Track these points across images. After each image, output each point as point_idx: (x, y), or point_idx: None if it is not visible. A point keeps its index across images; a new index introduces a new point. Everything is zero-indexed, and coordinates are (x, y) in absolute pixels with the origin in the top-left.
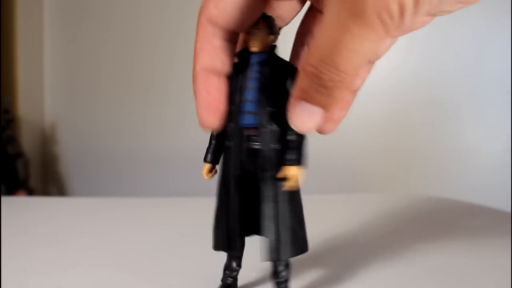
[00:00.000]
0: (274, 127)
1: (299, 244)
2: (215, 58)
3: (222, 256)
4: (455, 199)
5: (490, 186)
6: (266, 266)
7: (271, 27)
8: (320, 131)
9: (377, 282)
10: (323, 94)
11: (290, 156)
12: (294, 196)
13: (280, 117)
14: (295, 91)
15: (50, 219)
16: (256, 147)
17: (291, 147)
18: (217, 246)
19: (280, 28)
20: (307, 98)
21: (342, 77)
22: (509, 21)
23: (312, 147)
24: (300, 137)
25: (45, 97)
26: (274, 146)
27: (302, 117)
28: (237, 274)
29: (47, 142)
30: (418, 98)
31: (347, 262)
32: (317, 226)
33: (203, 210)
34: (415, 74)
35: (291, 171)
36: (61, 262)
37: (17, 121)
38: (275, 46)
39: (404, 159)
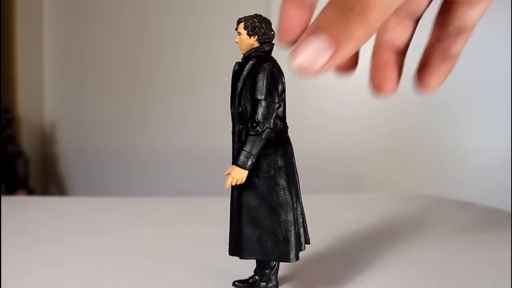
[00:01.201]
0: (239, 127)
1: (269, 247)
2: None
3: (222, 256)
4: (455, 199)
5: (490, 186)
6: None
7: (249, 29)
8: (423, 83)
9: (377, 282)
10: (342, 23)
11: (235, 155)
12: (268, 198)
13: (245, 117)
14: (311, 24)
15: (50, 218)
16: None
17: (238, 148)
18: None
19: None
20: (322, 26)
21: (367, 7)
22: (509, 21)
23: (313, 147)
24: (247, 139)
25: (45, 97)
26: (237, 146)
27: (308, 51)
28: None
29: (47, 141)
30: (418, 99)
31: (347, 261)
32: (317, 225)
33: (202, 209)
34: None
35: (229, 170)
36: (61, 262)
37: (17, 120)
38: (260, 47)
39: (404, 159)
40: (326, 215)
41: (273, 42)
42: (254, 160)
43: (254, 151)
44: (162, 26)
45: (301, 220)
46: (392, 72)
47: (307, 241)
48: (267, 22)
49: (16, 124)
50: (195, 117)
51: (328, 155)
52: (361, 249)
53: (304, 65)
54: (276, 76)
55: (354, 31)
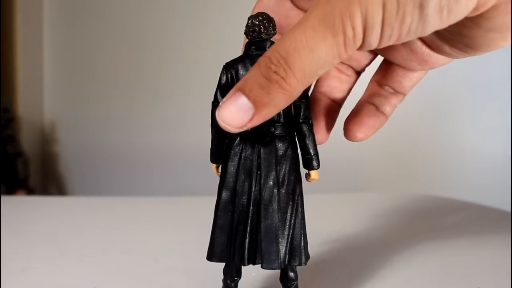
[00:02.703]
0: None
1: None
2: None
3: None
4: (455, 199)
5: (490, 186)
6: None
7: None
8: (351, 137)
9: (377, 281)
10: (262, 88)
11: None
12: None
13: None
14: (238, 83)
15: (50, 218)
16: None
17: None
18: None
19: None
20: (245, 88)
21: (288, 74)
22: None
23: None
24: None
25: (45, 96)
26: None
27: (231, 110)
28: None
29: (46, 141)
30: (418, 99)
31: (347, 261)
32: (317, 225)
33: (202, 209)
34: None
35: None
36: (61, 261)
37: (17, 120)
38: (246, 44)
39: (404, 159)
40: (326, 215)
41: (252, 37)
42: (213, 153)
43: (211, 146)
44: (163, 25)
45: (241, 236)
46: (324, 121)
47: (243, 261)
48: (253, 18)
49: (16, 124)
50: (197, 116)
51: (328, 155)
52: (361, 249)
53: (226, 122)
54: (220, 75)
55: (274, 96)
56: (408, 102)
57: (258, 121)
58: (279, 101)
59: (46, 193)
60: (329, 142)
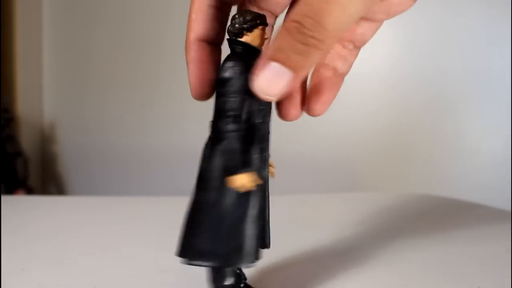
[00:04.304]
0: None
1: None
2: (209, 27)
3: None
4: (454, 198)
5: (490, 185)
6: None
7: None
8: (310, 111)
9: (376, 281)
10: (299, 53)
11: None
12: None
13: None
14: (268, 51)
15: (49, 218)
16: None
17: None
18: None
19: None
20: (281, 57)
21: (324, 36)
22: (509, 18)
23: (311, 146)
24: None
25: (44, 96)
26: None
27: (269, 80)
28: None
29: (46, 141)
30: (417, 97)
31: (346, 261)
32: (315, 225)
33: None
34: (414, 72)
35: None
36: (61, 261)
37: (17, 120)
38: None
39: (403, 158)
40: (325, 215)
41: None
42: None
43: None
44: (162, 25)
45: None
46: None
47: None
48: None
49: (16, 123)
50: (196, 116)
51: (327, 155)
52: (360, 248)
53: (267, 93)
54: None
55: (312, 57)
56: (407, 100)
57: (297, 83)
58: (317, 59)
59: (46, 193)
60: (329, 142)
